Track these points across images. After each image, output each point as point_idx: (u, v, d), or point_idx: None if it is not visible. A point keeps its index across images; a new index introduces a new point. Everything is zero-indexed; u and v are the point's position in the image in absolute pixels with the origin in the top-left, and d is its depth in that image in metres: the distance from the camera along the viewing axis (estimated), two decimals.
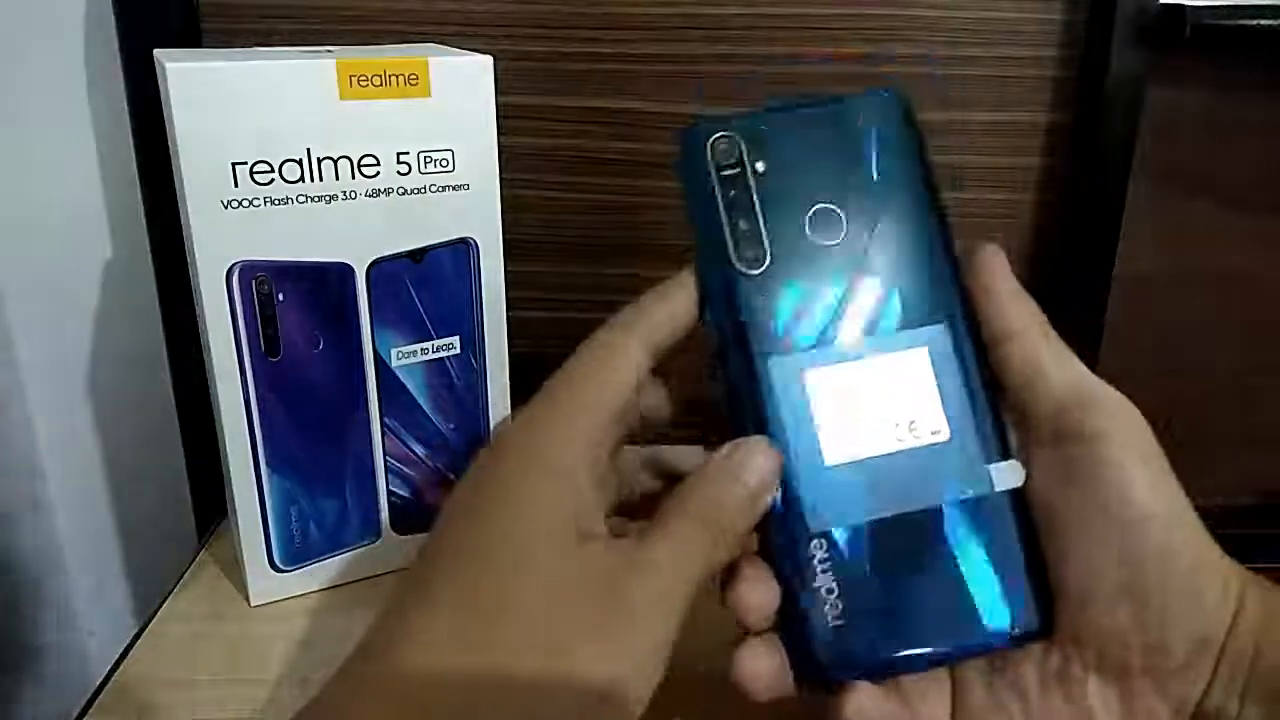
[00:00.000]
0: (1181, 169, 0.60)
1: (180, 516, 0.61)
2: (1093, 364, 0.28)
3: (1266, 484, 0.67)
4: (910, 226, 0.29)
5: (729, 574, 0.28)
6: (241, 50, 0.42)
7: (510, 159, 0.45)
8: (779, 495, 0.28)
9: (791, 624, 0.28)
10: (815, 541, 0.28)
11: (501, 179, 0.44)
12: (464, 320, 0.45)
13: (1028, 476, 0.29)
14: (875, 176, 0.29)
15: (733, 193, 0.29)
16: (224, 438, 0.42)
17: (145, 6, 0.53)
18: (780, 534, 0.28)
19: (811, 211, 0.29)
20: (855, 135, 0.30)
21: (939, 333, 0.29)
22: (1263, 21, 0.54)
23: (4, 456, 0.63)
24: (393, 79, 0.40)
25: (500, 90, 0.42)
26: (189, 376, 0.55)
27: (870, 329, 0.29)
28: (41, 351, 0.63)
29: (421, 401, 0.45)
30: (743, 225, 0.29)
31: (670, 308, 0.30)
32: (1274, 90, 0.59)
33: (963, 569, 0.28)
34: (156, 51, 0.40)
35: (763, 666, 0.28)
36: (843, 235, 0.29)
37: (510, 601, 0.25)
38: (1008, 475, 0.29)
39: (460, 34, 0.55)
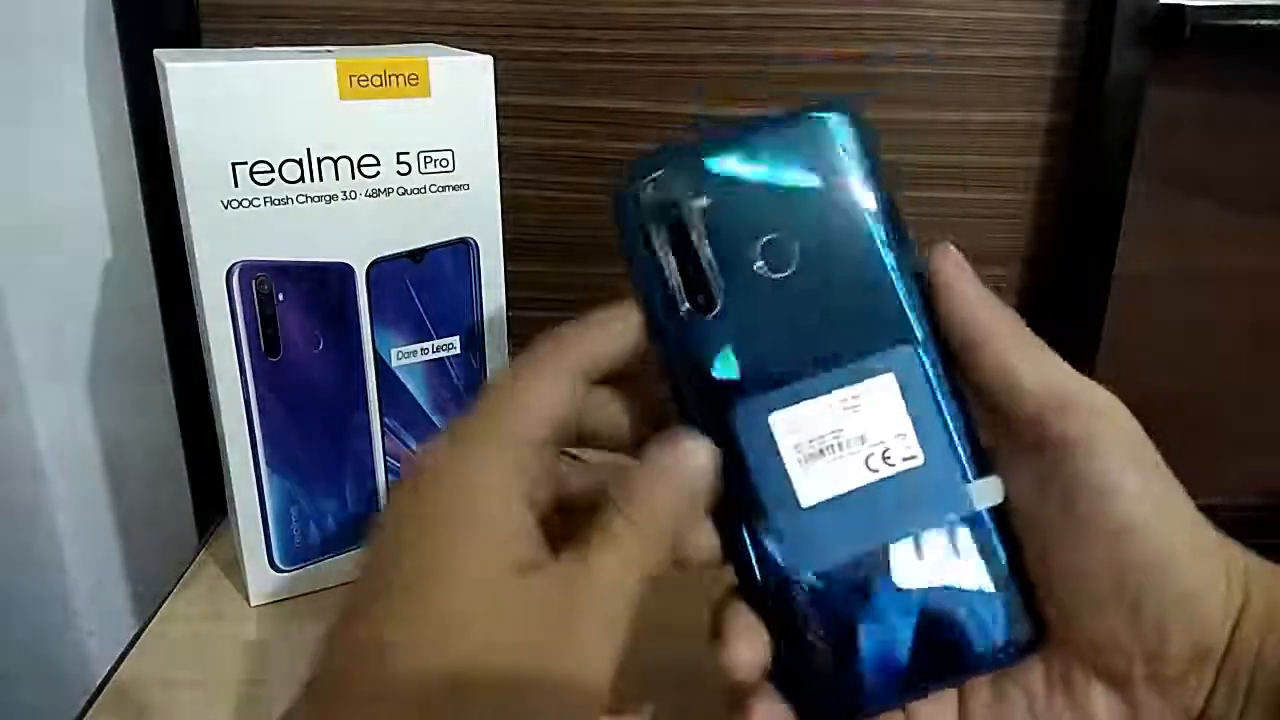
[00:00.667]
0: (1181, 169, 0.60)
1: (180, 516, 0.61)
2: (1092, 364, 0.28)
3: (1267, 484, 0.67)
4: (865, 248, 0.28)
5: (717, 627, 0.28)
6: (241, 50, 0.42)
7: (510, 159, 0.45)
8: (751, 544, 0.27)
9: (788, 674, 0.27)
10: (798, 587, 0.27)
11: (501, 179, 0.44)
12: (464, 320, 0.45)
13: (1008, 487, 0.28)
14: (823, 200, 0.28)
15: (675, 237, 0.27)
16: (224, 438, 0.42)
17: (145, 6, 0.53)
18: (763, 584, 0.27)
19: (761, 244, 0.27)
20: (800, 157, 0.28)
21: (904, 355, 0.28)
22: (1263, 21, 0.54)
23: (4, 456, 0.63)
24: (393, 79, 0.40)
25: (500, 90, 0.42)
26: (189, 376, 0.55)
27: (833, 361, 0.28)
28: (41, 351, 0.63)
29: (421, 401, 0.45)
30: (690, 270, 0.27)
31: (611, 339, 0.28)
32: (1274, 90, 0.59)
33: (951, 592, 0.28)
34: (156, 51, 0.40)
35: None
36: (795, 266, 0.27)
37: (451, 645, 0.24)
38: (987, 492, 0.28)
39: (460, 34, 0.55)
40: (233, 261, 0.39)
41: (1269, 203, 0.61)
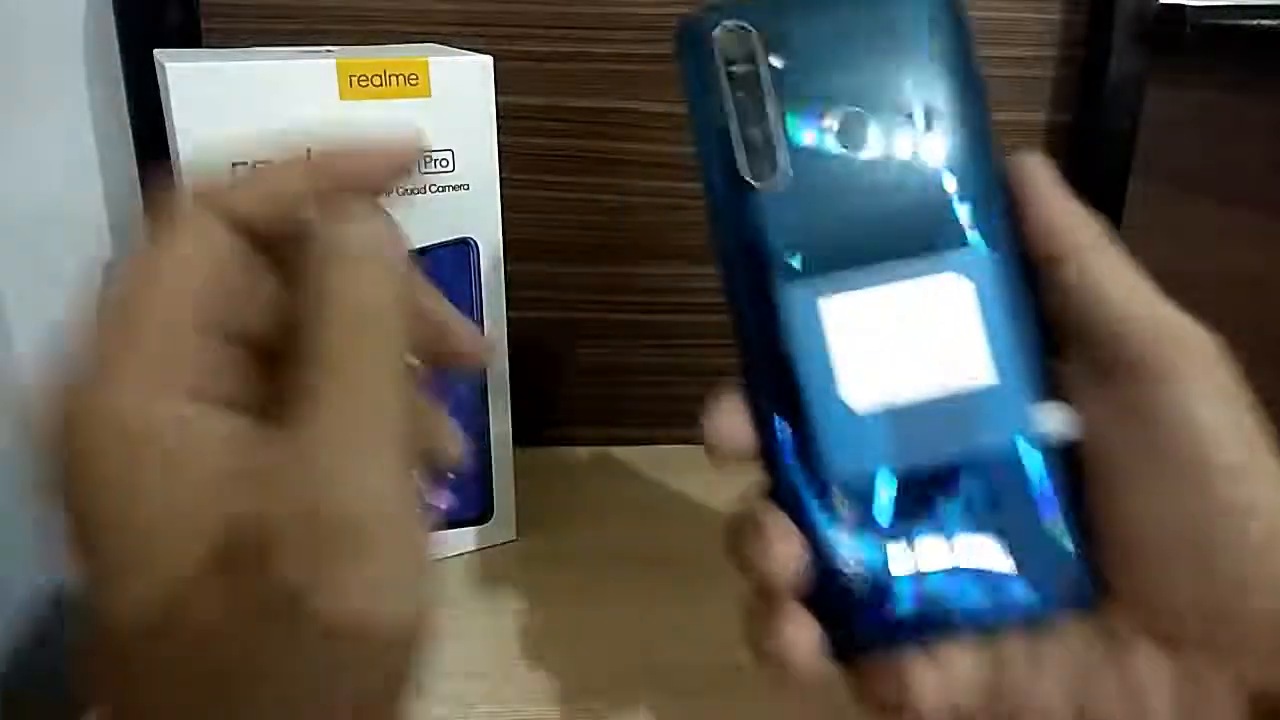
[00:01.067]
0: (1181, 169, 0.60)
1: None
2: None
3: None
4: (950, 135, 0.26)
5: (746, 529, 0.25)
6: (241, 50, 0.42)
7: (510, 159, 0.45)
8: (790, 445, 0.25)
9: (819, 591, 0.25)
10: (838, 494, 0.25)
11: (501, 179, 0.44)
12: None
13: (1082, 417, 0.25)
14: (911, 77, 0.25)
15: (742, 93, 0.25)
16: None
17: (145, 6, 0.53)
18: (799, 489, 0.25)
19: (835, 116, 0.25)
20: (889, 29, 0.25)
21: (979, 256, 0.25)
22: (1263, 21, 0.54)
23: (3, 456, 0.63)
24: (393, 79, 0.40)
25: (500, 90, 0.42)
26: None
27: (898, 251, 0.25)
28: (42, 351, 0.63)
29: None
30: (754, 132, 0.25)
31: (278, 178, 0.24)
32: (1274, 90, 0.59)
33: (1005, 529, 0.25)
34: (156, 51, 0.40)
35: (803, 638, 0.24)
36: (871, 143, 0.25)
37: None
38: (1058, 422, 0.25)
39: (460, 34, 0.55)
40: None
41: (1269, 203, 0.61)
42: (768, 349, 0.25)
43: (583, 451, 0.58)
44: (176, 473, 0.20)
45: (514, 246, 0.45)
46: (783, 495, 0.25)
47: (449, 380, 0.45)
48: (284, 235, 0.23)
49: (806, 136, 0.25)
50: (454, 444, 0.26)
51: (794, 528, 0.25)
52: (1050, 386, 0.25)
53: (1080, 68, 0.57)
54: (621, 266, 0.60)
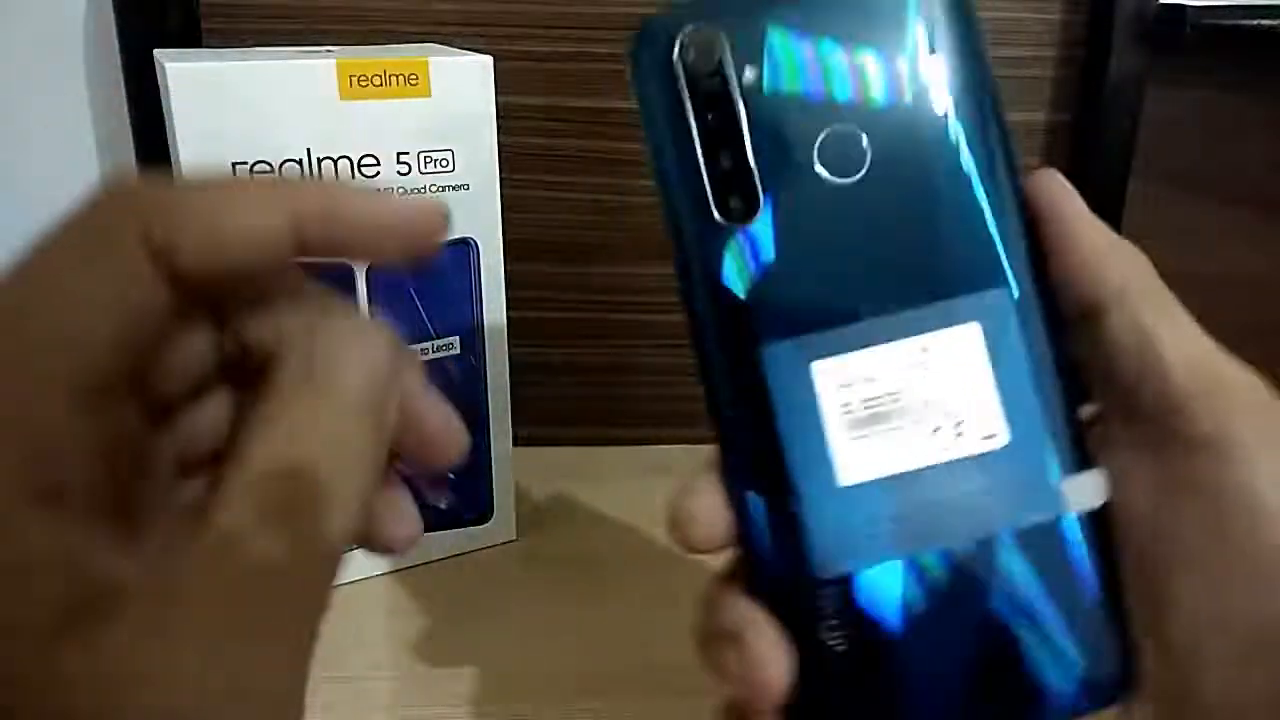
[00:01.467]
0: (1181, 169, 0.60)
1: None
2: None
3: None
4: (960, 155, 0.21)
5: (725, 634, 0.21)
6: (241, 50, 0.42)
7: (510, 159, 0.45)
8: (771, 528, 0.21)
9: (806, 701, 0.21)
10: (827, 591, 0.21)
11: (501, 179, 0.44)
12: (464, 320, 0.45)
13: (1121, 489, 0.22)
14: (912, 86, 0.21)
15: (711, 113, 0.21)
16: None
17: (145, 6, 0.53)
18: (781, 581, 0.21)
19: (823, 136, 0.21)
20: (883, 25, 0.21)
21: (997, 301, 0.21)
22: (1263, 21, 0.54)
23: None
24: (393, 79, 0.40)
25: (500, 90, 0.42)
26: None
27: (902, 299, 0.21)
28: None
29: None
30: (725, 160, 0.21)
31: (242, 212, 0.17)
32: (1274, 90, 0.59)
33: (1022, 620, 0.21)
34: (156, 51, 0.40)
35: None
36: (866, 169, 0.21)
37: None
38: (1086, 492, 0.21)
39: (460, 34, 0.55)
40: None
41: (1269, 203, 0.61)
42: (749, 421, 0.21)
43: (583, 451, 0.58)
44: None
45: (514, 246, 0.45)
46: (763, 590, 0.21)
47: (449, 381, 0.45)
48: (236, 287, 0.18)
49: (789, 164, 0.21)
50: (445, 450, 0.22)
51: (778, 635, 0.21)
52: (1082, 450, 0.22)
53: (1080, 68, 0.57)
54: (621, 266, 0.60)
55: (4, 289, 0.16)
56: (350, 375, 0.17)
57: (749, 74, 0.21)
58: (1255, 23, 0.54)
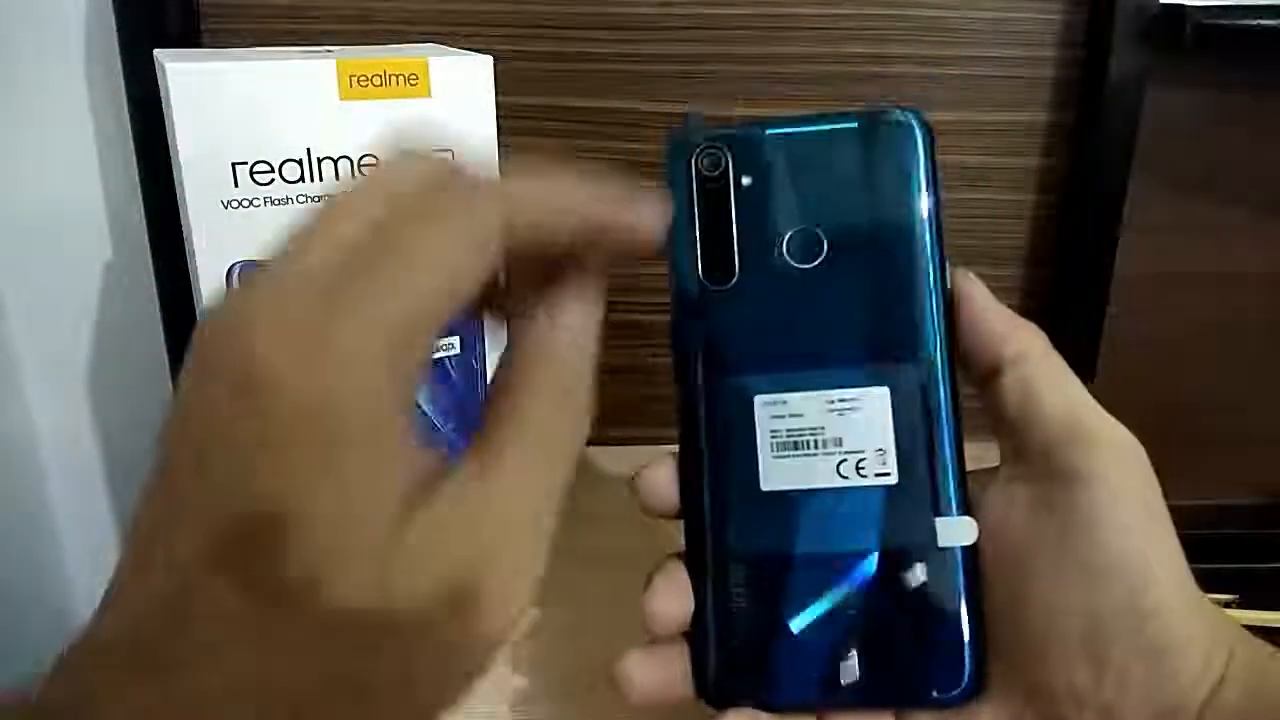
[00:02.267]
0: (1181, 169, 0.60)
1: None
2: (1093, 365, 0.27)
3: (1265, 484, 0.67)
4: (897, 260, 0.28)
5: (650, 578, 0.28)
6: (241, 50, 0.42)
7: (510, 159, 0.45)
8: (704, 512, 0.28)
9: (698, 640, 0.28)
10: (736, 565, 0.28)
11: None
12: (464, 320, 0.45)
13: (1005, 515, 0.27)
14: (870, 202, 0.28)
15: (710, 205, 0.28)
16: None
17: (145, 6, 0.53)
18: (705, 551, 0.28)
19: (791, 233, 0.28)
20: (858, 158, 0.28)
21: (907, 372, 0.28)
22: (1263, 21, 0.54)
23: (3, 456, 0.63)
24: (393, 79, 0.40)
25: (500, 90, 0.42)
26: None
27: (834, 361, 0.28)
28: (41, 351, 0.63)
29: (421, 401, 0.45)
30: (714, 238, 0.28)
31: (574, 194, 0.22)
32: (1274, 90, 0.59)
33: (889, 620, 0.27)
34: (156, 51, 0.40)
35: (648, 678, 0.27)
36: (821, 260, 0.28)
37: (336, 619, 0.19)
38: (956, 531, 0.27)
39: (460, 34, 0.55)
40: (233, 261, 0.39)
41: (1269, 203, 0.61)
42: (703, 430, 0.28)
43: (583, 451, 0.58)
44: (378, 466, 0.19)
45: None
46: (691, 555, 0.28)
47: (449, 381, 0.45)
48: (529, 252, 0.22)
49: (761, 249, 0.28)
50: None
51: (687, 585, 0.28)
52: (962, 496, 0.27)
53: (1080, 68, 0.57)
54: (621, 267, 0.60)
55: (422, 202, 0.21)
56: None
57: (743, 181, 0.28)
58: (1255, 23, 0.54)
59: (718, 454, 0.28)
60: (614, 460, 0.58)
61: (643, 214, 0.24)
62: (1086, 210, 0.58)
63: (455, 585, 0.20)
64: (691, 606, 0.28)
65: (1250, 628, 0.27)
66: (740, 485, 0.28)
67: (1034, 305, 0.61)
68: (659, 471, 0.29)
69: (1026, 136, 0.59)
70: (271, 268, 0.19)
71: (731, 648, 0.28)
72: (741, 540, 0.28)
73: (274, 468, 0.18)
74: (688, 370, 0.28)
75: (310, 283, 0.19)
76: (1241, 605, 0.46)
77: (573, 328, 0.23)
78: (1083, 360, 0.28)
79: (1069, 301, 0.60)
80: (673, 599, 0.27)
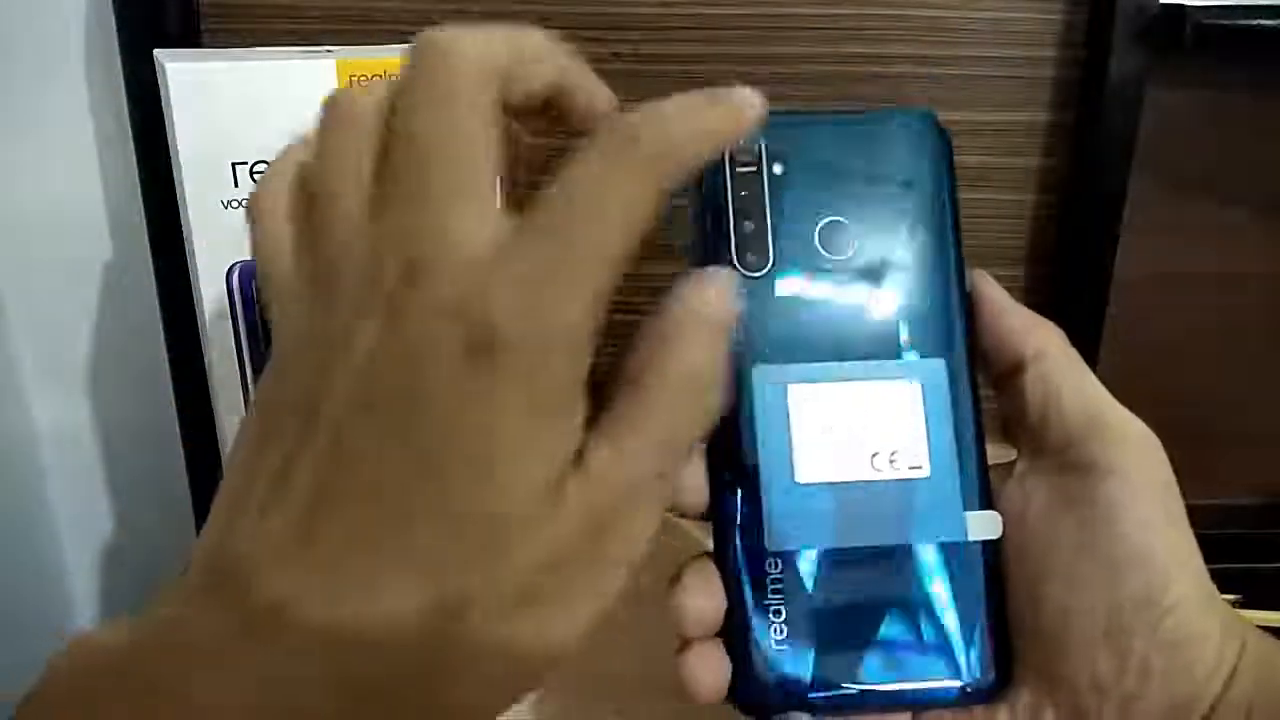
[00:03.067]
0: (1181, 169, 0.60)
1: (180, 516, 0.61)
2: (1093, 364, 0.27)
3: (1266, 484, 0.67)
4: (924, 255, 0.28)
5: (678, 576, 0.27)
6: (241, 50, 0.42)
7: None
8: (736, 506, 0.27)
9: (734, 640, 0.27)
10: (771, 560, 0.27)
11: (501, 179, 0.44)
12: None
13: (1023, 510, 0.27)
14: (896, 199, 0.28)
15: (744, 191, 0.28)
16: (224, 438, 0.42)
17: (145, 6, 0.53)
18: (737, 546, 0.27)
19: (823, 223, 0.28)
20: (883, 153, 0.28)
21: (937, 368, 0.28)
22: (1263, 21, 0.54)
23: (3, 456, 0.63)
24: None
25: None
26: (189, 376, 0.55)
27: (865, 352, 0.28)
28: (41, 351, 0.63)
29: None
30: (749, 225, 0.28)
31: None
32: (1274, 90, 0.59)
33: (920, 614, 0.27)
34: (156, 51, 0.40)
35: (710, 672, 0.26)
36: (852, 252, 0.28)
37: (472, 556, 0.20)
38: (984, 525, 0.27)
39: None
40: (233, 261, 0.39)
41: (1269, 203, 0.61)
42: (736, 421, 0.27)
43: None
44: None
45: None
46: (720, 551, 0.27)
47: None
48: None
49: (795, 238, 0.28)
50: None
51: (718, 583, 0.27)
52: (984, 493, 0.28)
53: (1080, 68, 0.57)
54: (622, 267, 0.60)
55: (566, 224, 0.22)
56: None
57: (777, 169, 0.28)
58: (1255, 23, 0.54)
59: (752, 446, 0.27)
60: None
61: (600, 89, 0.26)
62: (1086, 210, 0.58)
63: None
64: (724, 603, 0.27)
65: None
66: (774, 478, 0.27)
67: (1034, 305, 0.60)
68: (688, 467, 0.27)
69: (1026, 136, 0.59)
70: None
71: (769, 651, 0.27)
72: (776, 536, 0.27)
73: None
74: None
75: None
76: (1243, 605, 0.46)
77: (718, 312, 0.23)
78: (1082, 359, 0.28)
79: (1069, 301, 0.60)
80: (704, 594, 0.26)
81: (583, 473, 0.21)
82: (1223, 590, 0.27)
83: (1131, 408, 0.27)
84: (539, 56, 0.24)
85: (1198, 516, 0.27)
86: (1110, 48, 0.55)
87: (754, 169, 0.28)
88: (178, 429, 0.60)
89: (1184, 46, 0.53)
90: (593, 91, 0.26)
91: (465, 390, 0.20)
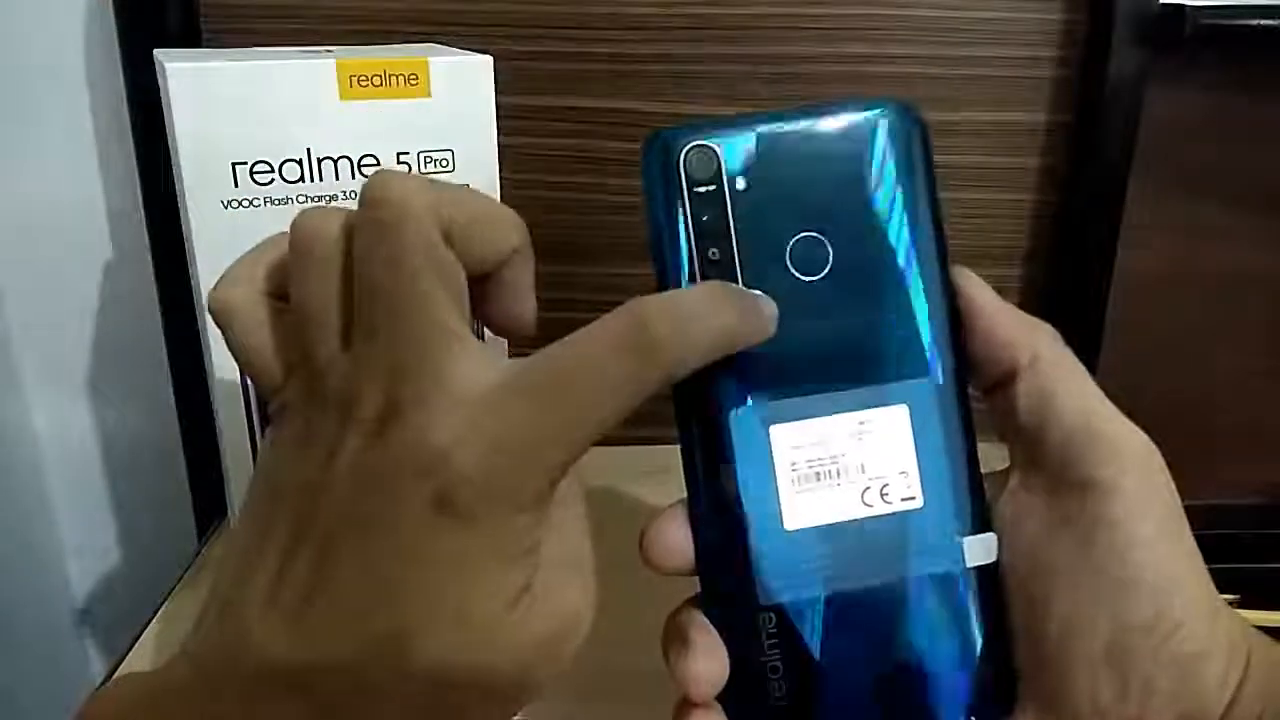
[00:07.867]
0: (1181, 169, 0.60)
1: (180, 516, 0.61)
2: (1093, 364, 0.27)
3: (1266, 484, 0.67)
4: (904, 265, 0.26)
5: (676, 639, 0.26)
6: (241, 50, 0.42)
7: (510, 159, 0.45)
8: (726, 559, 0.25)
9: (740, 700, 0.25)
10: (765, 615, 0.25)
11: (501, 179, 0.44)
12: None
13: (1020, 526, 0.26)
14: (872, 204, 0.26)
15: (705, 215, 0.25)
16: (224, 437, 0.42)
17: (145, 6, 0.53)
18: (730, 603, 0.26)
19: (794, 241, 0.25)
20: (854, 153, 0.26)
21: (923, 389, 0.26)
22: (1263, 21, 0.54)
23: (4, 456, 0.63)
24: (393, 79, 0.40)
25: (500, 90, 0.42)
26: (189, 375, 0.55)
27: (847, 378, 0.26)
28: (41, 351, 0.63)
29: None
30: (713, 252, 0.25)
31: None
32: (1274, 90, 0.59)
33: (921, 649, 0.26)
34: (156, 51, 0.40)
35: None
36: (828, 270, 0.25)
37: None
38: (980, 550, 0.26)
39: (460, 34, 0.55)
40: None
41: (1270, 203, 0.61)
42: (716, 470, 0.25)
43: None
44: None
45: None
46: (715, 610, 0.26)
47: None
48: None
49: (765, 260, 0.25)
50: None
51: (719, 643, 0.25)
52: (981, 513, 0.26)
53: (1080, 68, 0.57)
54: (622, 267, 0.60)
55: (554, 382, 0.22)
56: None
57: (739, 185, 0.25)
58: (1255, 23, 0.54)
59: (736, 496, 0.25)
60: (623, 459, 0.58)
61: (529, 300, 0.27)
62: (1086, 210, 0.58)
63: None
64: (726, 665, 0.25)
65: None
66: (763, 527, 0.25)
67: (1034, 305, 0.61)
68: (670, 525, 0.26)
69: (1026, 136, 0.59)
70: None
71: (771, 709, 0.26)
72: (769, 590, 0.25)
73: None
74: (693, 405, 0.26)
75: None
76: (1242, 605, 0.46)
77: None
78: (1082, 360, 0.28)
79: (1069, 301, 0.60)
80: (713, 658, 0.25)
81: (530, 595, 0.22)
82: (1222, 590, 0.26)
83: (1132, 408, 0.27)
84: (491, 228, 0.26)
85: (1195, 516, 0.27)
86: (1110, 48, 0.55)
87: (714, 187, 0.25)
88: (177, 429, 0.60)
89: (1184, 46, 0.53)
90: (522, 297, 0.27)
91: (428, 533, 0.21)
